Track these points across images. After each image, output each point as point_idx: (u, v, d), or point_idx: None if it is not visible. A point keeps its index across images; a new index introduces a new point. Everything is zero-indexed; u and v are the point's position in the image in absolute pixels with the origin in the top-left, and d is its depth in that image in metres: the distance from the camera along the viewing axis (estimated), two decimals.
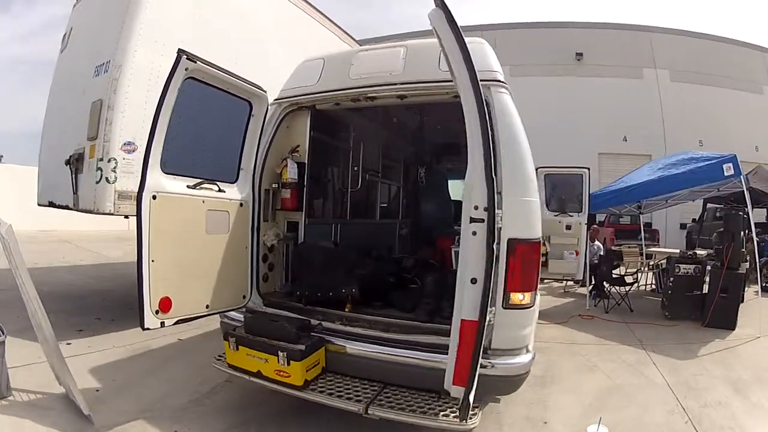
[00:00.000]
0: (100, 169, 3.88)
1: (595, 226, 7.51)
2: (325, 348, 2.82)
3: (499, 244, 2.52)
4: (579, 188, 6.52)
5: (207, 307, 2.96)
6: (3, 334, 2.85)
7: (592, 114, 17.87)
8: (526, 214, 2.60)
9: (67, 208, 4.28)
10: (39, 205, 4.92)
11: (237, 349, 2.82)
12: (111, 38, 3.96)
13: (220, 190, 3.08)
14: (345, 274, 3.29)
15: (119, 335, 4.23)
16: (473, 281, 1.74)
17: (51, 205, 4.65)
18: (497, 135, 2.60)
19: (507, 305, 2.58)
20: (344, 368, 2.83)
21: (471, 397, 1.79)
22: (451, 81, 2.62)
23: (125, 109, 3.91)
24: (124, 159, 3.92)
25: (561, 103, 17.77)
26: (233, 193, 3.19)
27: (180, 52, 2.67)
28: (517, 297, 2.59)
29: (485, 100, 2.62)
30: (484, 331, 1.77)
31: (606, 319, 6.04)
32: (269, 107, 3.46)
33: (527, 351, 2.68)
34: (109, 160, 3.87)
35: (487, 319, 2.49)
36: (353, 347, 2.79)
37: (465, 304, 1.76)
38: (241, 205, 3.22)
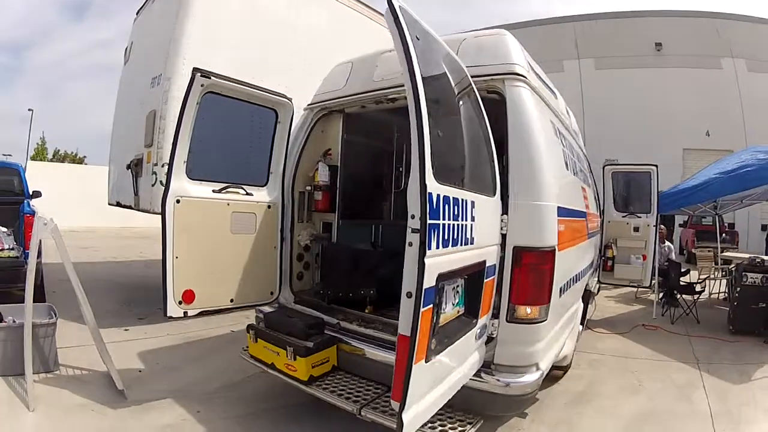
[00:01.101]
0: (155, 173, 4.25)
1: (662, 227, 6.74)
2: (339, 347, 2.81)
3: (504, 251, 2.38)
4: (647, 187, 5.88)
5: (231, 301, 3.14)
6: (55, 316, 3.23)
7: (673, 107, 16.09)
8: (535, 220, 2.34)
9: (130, 207, 4.78)
10: (109, 204, 5.53)
11: (256, 341, 2.94)
12: (162, 52, 4.33)
13: (247, 194, 3.23)
14: (366, 275, 3.24)
15: (176, 324, 4.45)
16: (408, 295, 1.60)
17: (118, 204, 5.20)
18: (510, 132, 2.39)
19: (511, 319, 2.36)
20: (359, 369, 2.78)
21: (405, 417, 1.66)
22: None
23: (176, 118, 4.24)
24: (194, 163, 4.25)
25: (642, 96, 16.18)
26: (262, 195, 3.32)
27: (195, 70, 2.85)
28: (523, 310, 2.35)
29: (500, 93, 2.46)
30: (415, 347, 1.60)
31: (670, 330, 5.46)
32: (303, 112, 3.59)
33: (536, 369, 2.43)
34: (162, 165, 4.21)
35: (488, 330, 2.38)
36: (370, 350, 2.70)
37: (401, 318, 1.64)
38: (269, 207, 3.34)
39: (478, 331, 2.23)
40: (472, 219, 1.98)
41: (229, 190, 3.17)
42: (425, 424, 2.25)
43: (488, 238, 2.21)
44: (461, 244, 1.89)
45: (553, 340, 2.74)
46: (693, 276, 6.97)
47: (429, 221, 1.65)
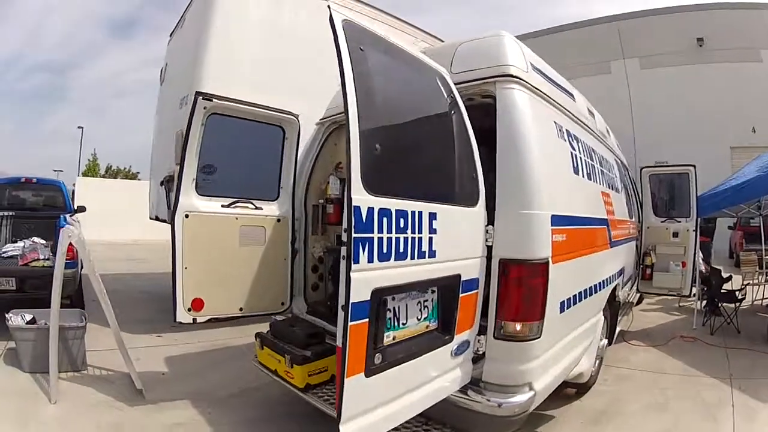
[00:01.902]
0: None
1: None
2: None
3: (490, 264, 2.25)
4: (686, 189, 5.35)
5: (240, 309, 3.25)
6: (84, 320, 3.50)
7: (718, 105, 14.71)
8: (523, 231, 2.17)
9: (165, 221, 5.12)
10: (150, 219, 5.97)
11: (262, 348, 3.02)
12: (188, 74, 4.63)
13: (256, 208, 3.35)
14: None
15: (207, 333, 4.62)
16: (342, 308, 1.54)
17: (157, 219, 5.58)
18: (498, 137, 2.26)
19: (500, 335, 2.20)
20: None
21: (342, 429, 1.60)
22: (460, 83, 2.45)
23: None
24: (204, 180, 4.52)
25: (687, 94, 14.99)
26: (271, 210, 3.40)
27: (197, 93, 3.02)
28: (512, 327, 2.18)
29: (493, 96, 2.33)
30: (346, 360, 1.53)
31: (708, 342, 4.96)
32: (315, 126, 3.67)
33: (529, 389, 2.23)
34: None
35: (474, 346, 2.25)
36: None
37: (338, 330, 1.57)
38: (279, 220, 3.42)
39: (455, 347, 2.10)
40: (432, 231, 1.86)
41: (238, 205, 3.31)
42: None
43: (463, 251, 2.08)
44: (413, 258, 1.79)
45: (555, 358, 2.52)
46: (738, 282, 6.27)
47: (356, 234, 1.57)
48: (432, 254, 1.88)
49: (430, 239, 1.87)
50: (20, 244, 4.18)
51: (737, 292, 5.56)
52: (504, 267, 2.20)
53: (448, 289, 2.06)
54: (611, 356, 4.45)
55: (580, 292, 2.79)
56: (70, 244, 3.09)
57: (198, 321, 3.20)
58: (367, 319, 1.64)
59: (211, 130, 3.24)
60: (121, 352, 3.27)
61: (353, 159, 1.59)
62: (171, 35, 6.29)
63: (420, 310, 2.00)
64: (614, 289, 3.96)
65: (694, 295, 5.65)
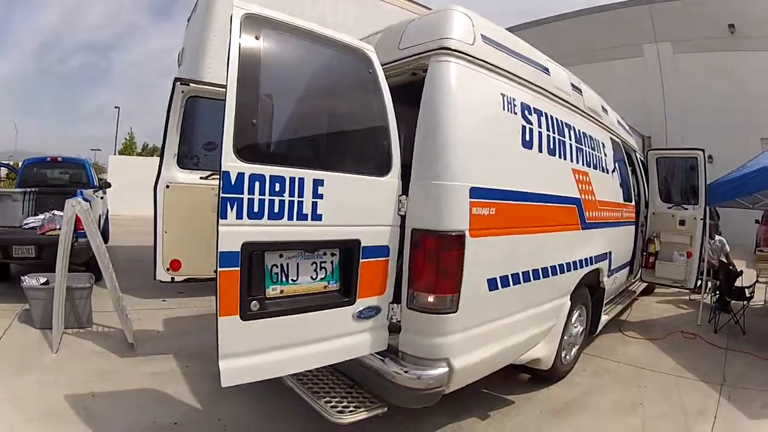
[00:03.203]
0: None
1: (711, 222, 5.53)
2: None
3: (403, 233, 2.23)
4: (695, 175, 4.81)
5: (215, 272, 3.53)
6: (91, 282, 3.88)
7: (749, 93, 13.11)
8: (435, 201, 2.10)
9: None
10: None
11: None
12: (193, 61, 4.93)
13: None
14: None
15: (208, 299, 5.15)
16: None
17: None
18: (421, 108, 2.20)
19: (412, 306, 2.16)
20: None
21: (221, 364, 1.79)
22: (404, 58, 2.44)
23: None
24: (205, 155, 4.86)
25: (717, 81, 13.57)
26: None
27: (175, 79, 3.27)
28: (425, 298, 2.13)
29: (426, 70, 2.28)
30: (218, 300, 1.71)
31: (708, 341, 4.48)
32: None
33: (446, 365, 2.17)
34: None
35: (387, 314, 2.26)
36: None
37: None
38: None
39: (358, 311, 2.10)
40: (317, 196, 1.88)
41: (214, 176, 3.56)
42: (323, 398, 2.30)
43: (363, 217, 2.06)
44: (291, 219, 1.83)
45: (486, 338, 2.41)
46: (750, 279, 5.52)
47: (223, 195, 1.71)
48: (317, 217, 1.90)
49: (314, 203, 1.89)
50: (41, 216, 4.71)
51: (746, 290, 4.98)
52: (415, 237, 2.15)
53: (348, 253, 2.06)
54: (598, 346, 4.20)
55: (524, 272, 2.63)
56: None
57: (176, 280, 3.53)
58: (238, 268, 1.76)
59: (193, 110, 3.50)
60: (117, 311, 3.64)
61: (226, 132, 1.73)
62: (188, 20, 6.65)
63: (315, 270, 2.02)
64: (597, 275, 3.72)
65: (700, 287, 5.08)
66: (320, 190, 1.90)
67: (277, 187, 1.80)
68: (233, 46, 1.78)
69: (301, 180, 1.86)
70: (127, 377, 3.11)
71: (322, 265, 2.05)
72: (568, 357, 3.53)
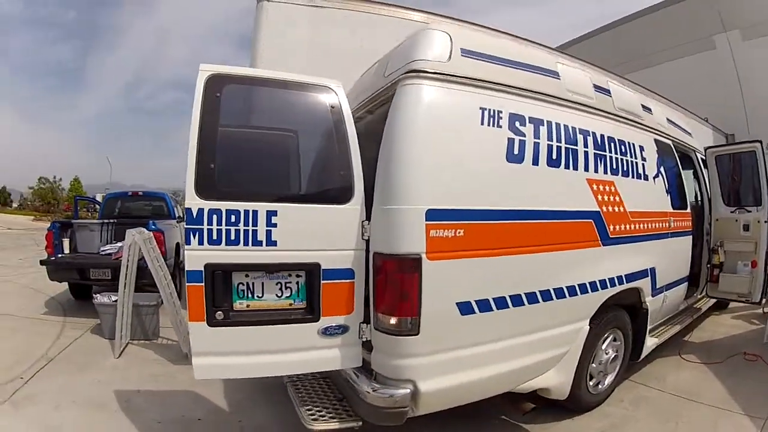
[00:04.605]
0: None
1: None
2: None
3: (367, 257, 2.42)
4: (755, 171, 4.17)
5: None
6: (158, 301, 4.63)
7: None
8: (389, 225, 2.25)
9: None
10: None
11: None
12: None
13: None
14: None
15: None
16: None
17: None
18: (384, 133, 2.36)
19: (378, 327, 2.35)
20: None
21: (194, 360, 2.24)
22: (387, 85, 2.65)
23: None
24: None
25: None
26: None
27: None
28: (387, 320, 2.29)
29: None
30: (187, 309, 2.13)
31: None
32: None
33: (413, 387, 2.29)
34: None
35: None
36: None
37: None
38: None
39: (323, 328, 2.34)
40: (271, 225, 2.20)
41: None
42: (306, 405, 2.61)
43: (322, 243, 2.31)
44: (246, 245, 2.19)
45: (465, 364, 2.45)
46: None
47: (187, 226, 2.13)
48: (271, 243, 2.22)
49: (269, 231, 2.21)
50: (118, 244, 5.76)
51: None
52: (376, 261, 2.32)
53: (311, 275, 2.33)
54: (648, 372, 3.89)
55: (514, 296, 2.57)
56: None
57: None
58: (202, 284, 2.17)
59: None
60: (173, 325, 4.39)
61: (188, 174, 2.16)
62: None
63: (281, 288, 2.33)
64: (637, 295, 3.41)
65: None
66: (274, 219, 2.22)
67: (233, 218, 2.18)
68: (196, 103, 2.21)
69: (255, 212, 2.20)
70: (173, 381, 3.75)
71: (287, 284, 2.35)
72: (600, 386, 3.31)
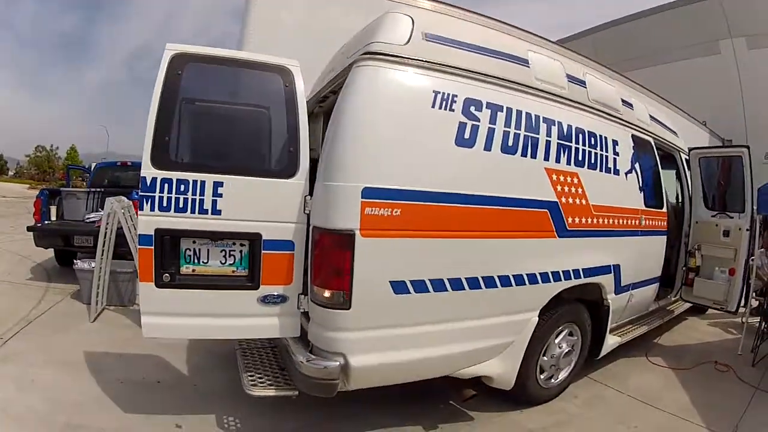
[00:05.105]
0: None
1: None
2: None
3: (308, 231, 2.77)
4: (741, 177, 4.33)
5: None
6: (134, 268, 5.08)
7: None
8: (327, 201, 2.61)
9: None
10: None
11: None
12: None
13: None
14: None
15: None
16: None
17: None
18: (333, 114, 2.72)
19: (313, 299, 2.71)
20: None
21: (143, 318, 2.70)
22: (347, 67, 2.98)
23: None
24: None
25: None
26: None
27: None
28: (321, 292, 2.64)
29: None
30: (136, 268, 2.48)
31: (740, 376, 4.14)
32: None
33: (343, 360, 2.63)
34: None
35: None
36: None
37: None
38: None
39: (262, 296, 2.74)
40: (217, 195, 2.61)
41: None
42: (249, 371, 3.04)
43: (263, 214, 2.70)
44: (193, 212, 2.60)
45: (399, 343, 2.77)
46: None
47: (141, 193, 2.55)
48: (216, 212, 2.63)
49: (214, 201, 2.62)
50: (101, 211, 6.22)
51: None
52: (314, 234, 2.69)
53: (253, 245, 2.73)
54: (610, 371, 4.20)
55: (453, 279, 2.85)
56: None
57: None
58: (152, 247, 2.59)
59: None
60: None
61: (145, 146, 2.58)
62: None
63: (225, 256, 2.75)
64: (598, 290, 3.65)
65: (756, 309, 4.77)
66: (220, 190, 2.64)
67: (182, 187, 2.61)
68: (159, 79, 2.63)
69: (203, 182, 2.63)
70: (142, 346, 4.22)
71: (231, 252, 2.76)
72: (553, 380, 3.60)
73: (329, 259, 2.63)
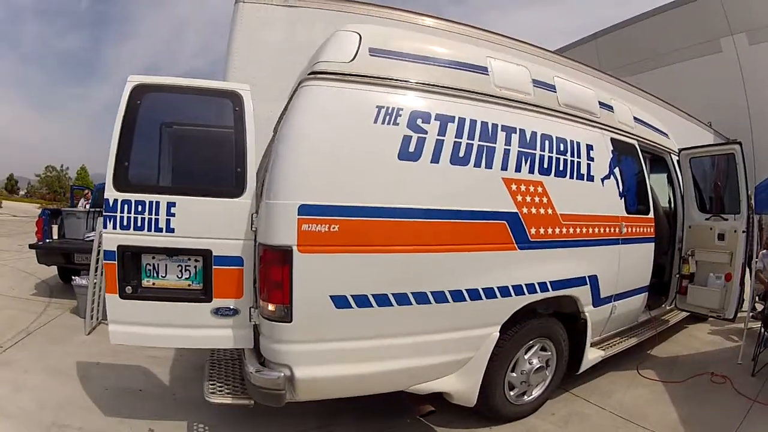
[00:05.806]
0: None
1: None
2: None
3: (255, 247, 3.30)
4: (734, 176, 4.47)
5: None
6: None
7: None
8: (266, 218, 3.08)
9: None
10: None
11: None
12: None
13: None
14: None
15: None
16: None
17: None
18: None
19: (261, 312, 3.19)
20: None
21: (109, 327, 3.31)
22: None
23: None
24: None
25: None
26: None
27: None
28: (266, 306, 3.08)
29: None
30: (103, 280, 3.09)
31: (737, 388, 4.27)
32: None
33: (288, 372, 3.05)
34: None
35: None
36: None
37: None
38: None
39: (214, 308, 3.36)
40: (170, 214, 3.25)
41: None
42: (212, 379, 3.64)
43: (213, 232, 3.31)
44: (150, 230, 3.23)
45: (346, 356, 3.16)
46: None
47: (105, 213, 3.23)
48: (170, 230, 3.31)
49: (168, 220, 3.30)
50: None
51: None
52: (259, 250, 3.26)
53: (206, 260, 3.36)
54: (595, 385, 4.48)
55: (398, 294, 3.20)
56: None
57: None
58: (115, 262, 3.28)
59: None
60: None
61: (108, 170, 3.29)
62: None
63: (181, 271, 3.42)
64: (573, 304, 3.89)
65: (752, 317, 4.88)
66: (173, 210, 3.33)
67: (140, 208, 3.32)
68: (120, 109, 3.33)
69: (158, 203, 3.33)
70: (131, 357, 5.07)
71: (187, 267, 3.42)
72: (526, 396, 3.94)
73: (271, 274, 3.10)
